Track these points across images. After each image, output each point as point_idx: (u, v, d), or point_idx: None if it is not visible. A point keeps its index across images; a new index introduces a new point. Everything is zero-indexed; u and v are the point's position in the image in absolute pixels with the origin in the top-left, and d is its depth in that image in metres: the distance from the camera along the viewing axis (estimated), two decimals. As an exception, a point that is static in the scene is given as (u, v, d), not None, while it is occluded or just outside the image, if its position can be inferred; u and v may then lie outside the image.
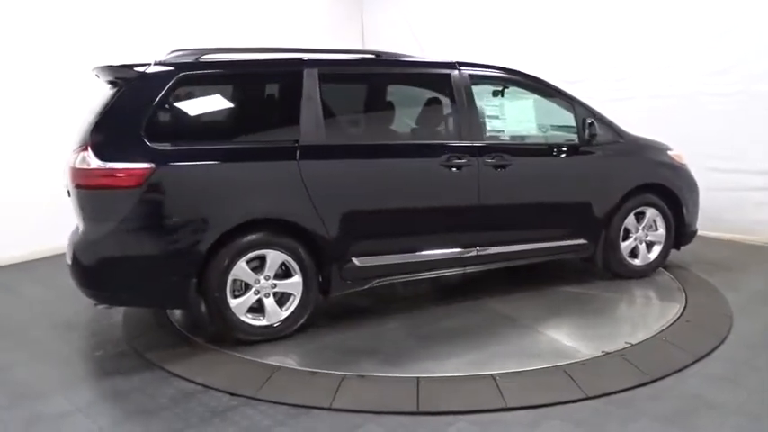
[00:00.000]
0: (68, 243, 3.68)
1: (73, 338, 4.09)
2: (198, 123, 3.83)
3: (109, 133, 3.46)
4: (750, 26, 5.61)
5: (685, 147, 5.06)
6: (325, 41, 5.79)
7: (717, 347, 3.55)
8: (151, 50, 3.86)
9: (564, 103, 4.54)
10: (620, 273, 4.72)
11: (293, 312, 3.77)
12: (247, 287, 3.67)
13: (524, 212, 4.40)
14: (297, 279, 3.75)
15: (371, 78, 4.38)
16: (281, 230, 3.70)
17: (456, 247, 4.16)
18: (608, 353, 3.47)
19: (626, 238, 4.69)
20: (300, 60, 3.87)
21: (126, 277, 3.52)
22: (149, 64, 3.59)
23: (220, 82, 3.94)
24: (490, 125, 4.92)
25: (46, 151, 5.47)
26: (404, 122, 4.58)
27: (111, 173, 3.36)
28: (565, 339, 3.71)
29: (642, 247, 4.75)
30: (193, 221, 3.51)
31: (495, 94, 4.63)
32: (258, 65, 3.95)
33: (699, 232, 5.01)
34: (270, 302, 3.72)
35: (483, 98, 4.54)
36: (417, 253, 4.08)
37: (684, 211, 4.79)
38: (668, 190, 4.73)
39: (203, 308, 3.69)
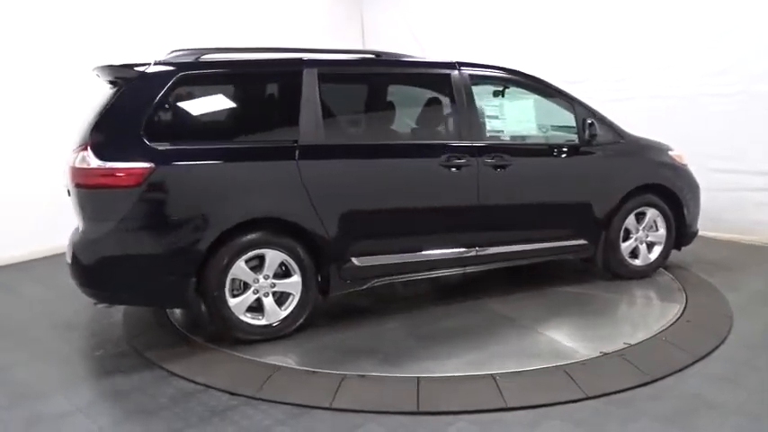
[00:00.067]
0: (68, 242, 3.68)
1: (73, 338, 4.10)
2: (198, 123, 3.83)
3: (109, 133, 3.47)
4: (750, 26, 5.61)
5: (685, 147, 5.06)
6: (325, 41, 5.78)
7: (717, 348, 3.55)
8: (151, 50, 3.87)
9: (564, 104, 4.53)
10: (620, 273, 4.71)
11: (292, 312, 3.77)
12: (246, 286, 3.67)
13: (524, 213, 4.39)
14: (296, 279, 3.75)
15: (371, 78, 4.38)
16: (280, 230, 3.70)
17: (456, 247, 4.16)
18: (608, 353, 3.46)
19: (626, 238, 4.67)
20: (300, 60, 3.87)
21: (126, 276, 3.52)
22: (149, 64, 3.60)
23: (220, 82, 3.95)
24: (490, 125, 4.92)
25: (46, 151, 5.47)
26: (404, 122, 4.58)
27: (110, 172, 3.36)
28: (565, 340, 3.70)
29: (643, 247, 4.74)
30: (193, 221, 3.52)
31: (495, 94, 4.62)
32: (258, 65, 3.95)
33: (699, 232, 5.00)
34: (269, 302, 3.72)
35: (483, 98, 4.53)
36: (417, 253, 4.07)
37: (685, 211, 4.78)
38: (669, 190, 4.72)
39: (203, 307, 3.69)
